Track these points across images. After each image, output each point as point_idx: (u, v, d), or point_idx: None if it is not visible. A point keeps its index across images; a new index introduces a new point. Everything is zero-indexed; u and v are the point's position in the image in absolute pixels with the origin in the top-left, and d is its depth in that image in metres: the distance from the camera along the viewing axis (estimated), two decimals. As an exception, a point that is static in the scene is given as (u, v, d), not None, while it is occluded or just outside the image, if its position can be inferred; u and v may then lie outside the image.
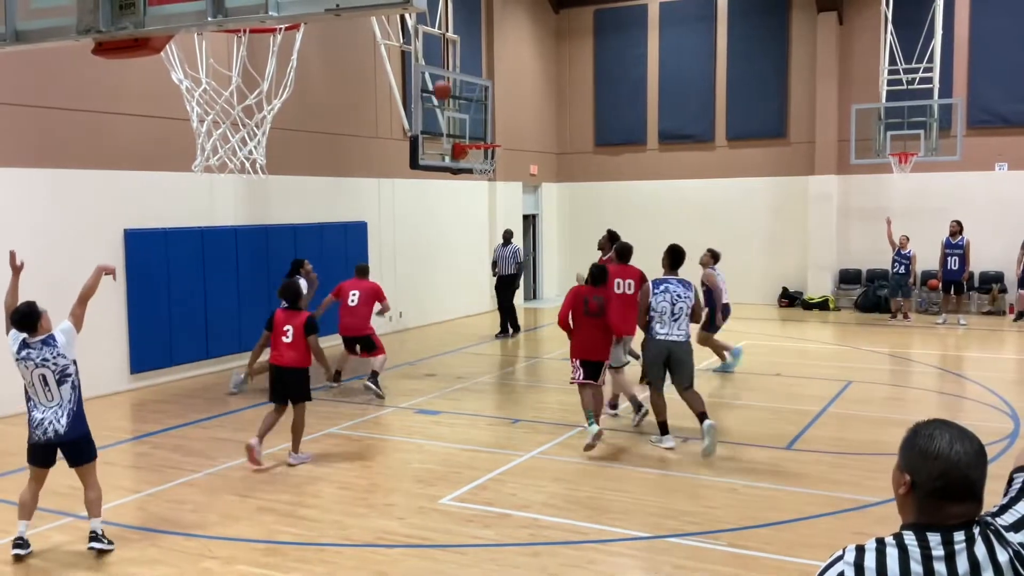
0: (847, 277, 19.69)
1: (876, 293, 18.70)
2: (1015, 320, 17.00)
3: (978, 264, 17.97)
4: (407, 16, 12.63)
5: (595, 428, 8.08)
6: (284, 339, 8.06)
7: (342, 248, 14.72)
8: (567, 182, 22.63)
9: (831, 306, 19.20)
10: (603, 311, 8.34)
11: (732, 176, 20.69)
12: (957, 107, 16.86)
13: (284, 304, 8.43)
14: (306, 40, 10.59)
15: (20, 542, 5.92)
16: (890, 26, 17.19)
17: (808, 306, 19.29)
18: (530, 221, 21.88)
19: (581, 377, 8.33)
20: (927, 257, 17.57)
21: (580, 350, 8.37)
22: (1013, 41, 18.04)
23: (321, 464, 8.10)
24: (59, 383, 5.87)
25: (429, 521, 6.60)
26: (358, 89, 15.58)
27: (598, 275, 8.48)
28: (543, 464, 8.07)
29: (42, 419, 5.87)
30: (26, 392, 5.97)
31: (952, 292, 17.02)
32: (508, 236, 16.60)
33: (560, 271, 22.62)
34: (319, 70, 14.47)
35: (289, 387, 8.08)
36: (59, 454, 6.02)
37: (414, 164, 11.92)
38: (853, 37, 19.46)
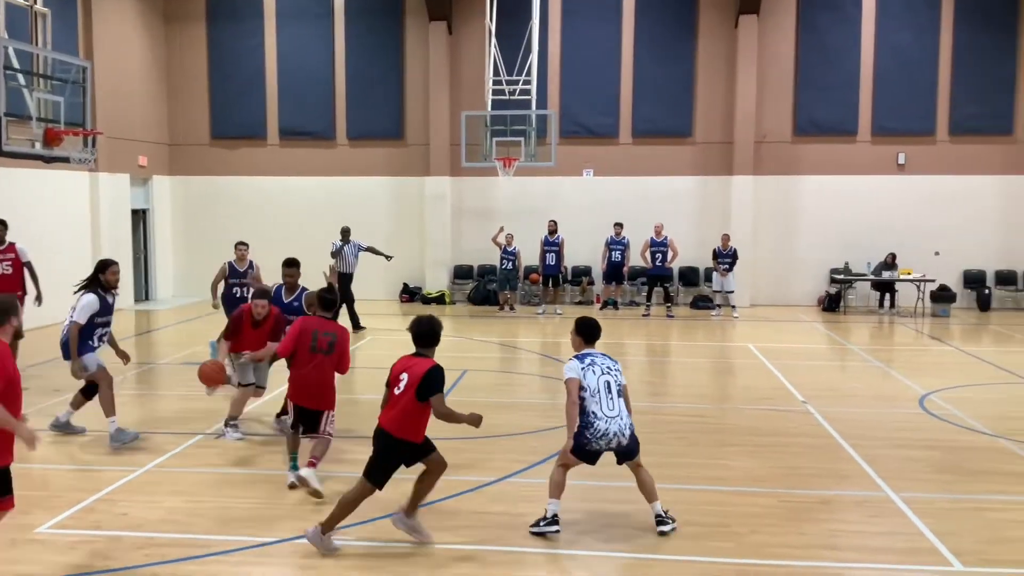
0: (461, 273, 20.97)
1: (486, 287, 20.16)
2: (600, 309, 19.32)
3: (571, 259, 20.09)
4: (-17, -18, 11.07)
5: (299, 473, 7.06)
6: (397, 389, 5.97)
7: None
8: (181, 175, 21.37)
9: (447, 300, 20.34)
10: (333, 348, 7.10)
11: (353, 175, 20.98)
12: (551, 118, 18.65)
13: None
14: None
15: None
16: (494, 39, 18.56)
17: (427, 300, 20.24)
18: (140, 216, 20.34)
19: (290, 424, 7.28)
20: (530, 253, 19.28)
21: (296, 393, 7.15)
22: (596, 61, 20.42)
23: None
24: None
25: (23, 554, 5.89)
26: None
27: (328, 302, 7.31)
28: (159, 478, 7.58)
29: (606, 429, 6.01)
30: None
31: (550, 285, 18.89)
32: (346, 233, 16.06)
33: (176, 271, 21.33)
34: None
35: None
36: None
37: (-4, 150, 10.50)
38: (462, 47, 20.69)
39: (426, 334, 6.02)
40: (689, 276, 20.46)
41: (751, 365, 13.14)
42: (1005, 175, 19.72)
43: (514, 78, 18.49)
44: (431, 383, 5.78)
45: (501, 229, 18.80)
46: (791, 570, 5.71)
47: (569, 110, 20.38)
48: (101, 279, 8.49)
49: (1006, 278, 19.93)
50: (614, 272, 19.20)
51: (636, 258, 19.21)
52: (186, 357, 13.05)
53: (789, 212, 20.29)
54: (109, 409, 8.46)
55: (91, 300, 8.39)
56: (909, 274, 19.05)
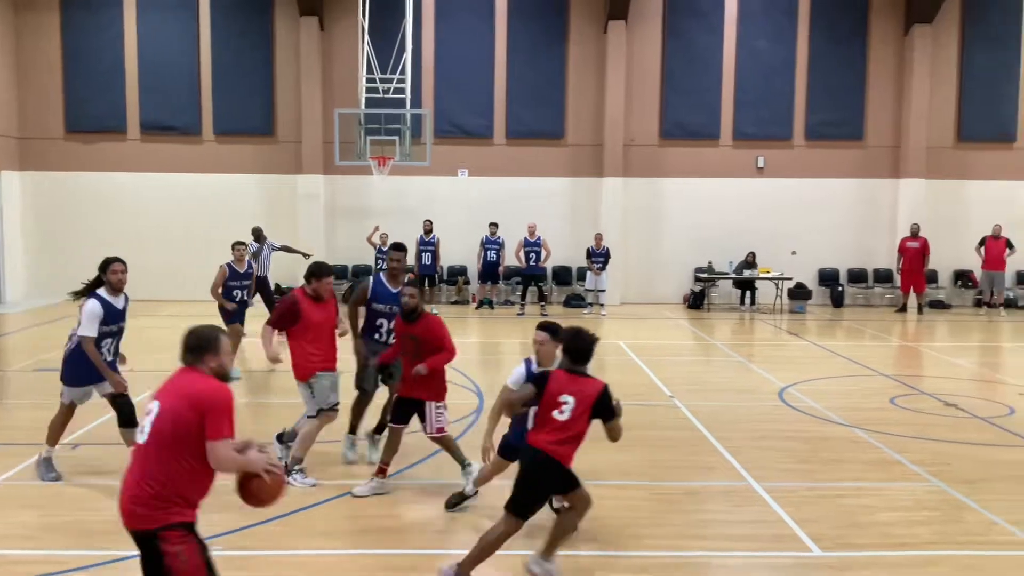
0: (335, 273, 20.61)
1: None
2: (476, 308, 19.41)
3: (447, 259, 20.10)
4: None
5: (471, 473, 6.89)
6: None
7: None
8: (32, 170, 20.16)
9: (321, 301, 19.92)
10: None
11: (221, 172, 20.33)
12: (426, 118, 18.61)
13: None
14: None
15: None
16: (366, 36, 18.35)
17: (299, 301, 19.76)
18: (-15, 214, 19.09)
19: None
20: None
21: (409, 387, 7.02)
22: (470, 62, 20.49)
23: None
24: None
25: None
26: None
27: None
28: (10, 492, 7.13)
29: None
30: None
31: (426, 284, 18.83)
32: (259, 233, 15.26)
33: (28, 271, 20.11)
34: None
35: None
36: None
37: None
38: (334, 43, 20.36)
39: (587, 350, 5.45)
40: (562, 275, 20.82)
41: (621, 362, 13.48)
42: (856, 178, 20.94)
43: (388, 76, 18.34)
44: (610, 404, 5.39)
45: (376, 229, 18.60)
46: (660, 560, 5.90)
47: (444, 110, 20.37)
48: (104, 280, 7.20)
49: (857, 276, 21.17)
50: (489, 272, 19.32)
51: (511, 258, 19.39)
52: (37, 364, 12.32)
53: (656, 213, 20.92)
54: (50, 436, 7.39)
55: (94, 307, 7.03)
56: (768, 273, 19.98)
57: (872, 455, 8.39)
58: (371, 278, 8.21)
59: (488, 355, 15.04)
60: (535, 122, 20.71)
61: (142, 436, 4.04)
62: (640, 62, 20.65)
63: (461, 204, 20.47)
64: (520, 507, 5.30)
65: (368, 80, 18.42)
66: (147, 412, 4.06)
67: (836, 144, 20.89)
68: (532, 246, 18.87)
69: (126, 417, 7.21)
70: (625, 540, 6.18)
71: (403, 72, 18.25)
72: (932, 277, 20.46)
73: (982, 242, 19.58)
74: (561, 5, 20.58)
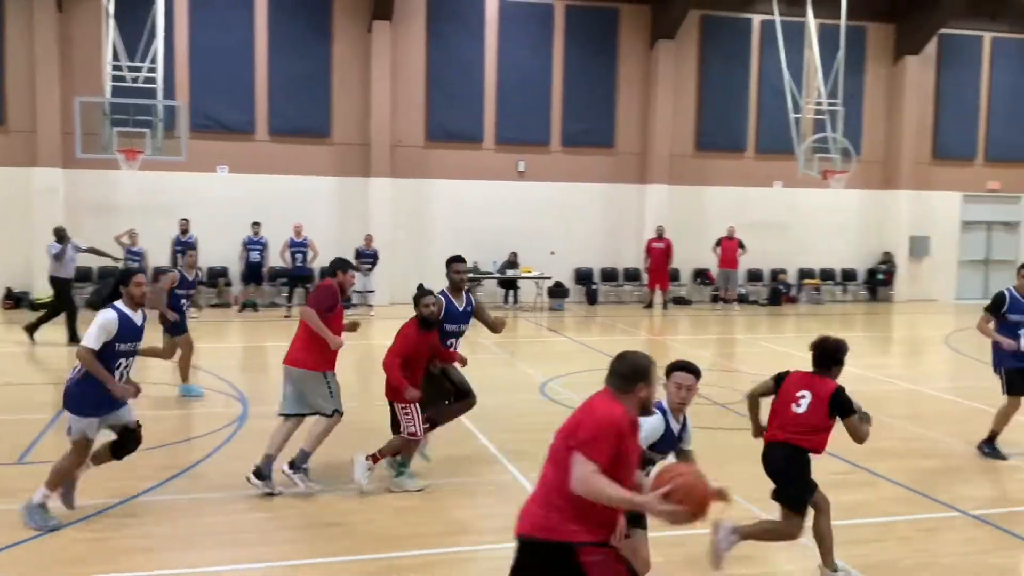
0: (78, 275, 18.89)
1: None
2: (240, 311, 18.66)
3: (206, 260, 19.14)
4: None
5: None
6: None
7: None
8: None
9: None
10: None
11: (-62, 163, 18.18)
12: (180, 110, 17.63)
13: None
14: None
15: None
16: (112, 21, 17.10)
17: (36, 307, 18.07)
18: None
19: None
20: (160, 254, 18.06)
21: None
22: (229, 55, 19.65)
23: None
24: None
25: None
26: None
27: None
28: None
29: None
30: None
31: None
32: (62, 233, 13.90)
33: None
34: None
35: None
36: None
37: None
38: (74, 26, 18.82)
39: (828, 354, 5.65)
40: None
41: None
42: (607, 183, 22.24)
43: (137, 64, 17.21)
44: (844, 400, 5.50)
45: (130, 230, 17.38)
46: (428, 558, 5.98)
47: (200, 103, 19.39)
48: (123, 293, 6.33)
49: (609, 275, 22.49)
50: (252, 273, 18.64)
51: (276, 258, 18.82)
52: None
53: (424, 214, 21.12)
54: (54, 480, 6.30)
55: (110, 318, 6.17)
56: (529, 272, 20.76)
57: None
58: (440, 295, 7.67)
59: (253, 359, 14.53)
60: (300, 119, 20.23)
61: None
62: (405, 63, 20.75)
63: (221, 202, 19.59)
64: (793, 502, 5.55)
65: (115, 68, 17.17)
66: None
67: (589, 151, 22.08)
68: (299, 246, 18.42)
69: (129, 447, 6.48)
70: (394, 541, 6.20)
71: (154, 61, 17.18)
72: (675, 275, 22.15)
73: (718, 243, 21.45)
74: (325, 2, 20.23)
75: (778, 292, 22.73)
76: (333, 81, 20.44)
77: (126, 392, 6.26)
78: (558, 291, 21.19)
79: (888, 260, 23.83)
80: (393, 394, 7.16)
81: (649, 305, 21.33)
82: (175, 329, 10.36)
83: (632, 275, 22.47)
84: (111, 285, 6.46)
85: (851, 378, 12.20)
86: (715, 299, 22.38)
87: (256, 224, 18.74)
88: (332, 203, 20.55)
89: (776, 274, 23.21)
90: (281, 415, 7.26)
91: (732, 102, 22.82)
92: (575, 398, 10.84)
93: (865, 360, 14.61)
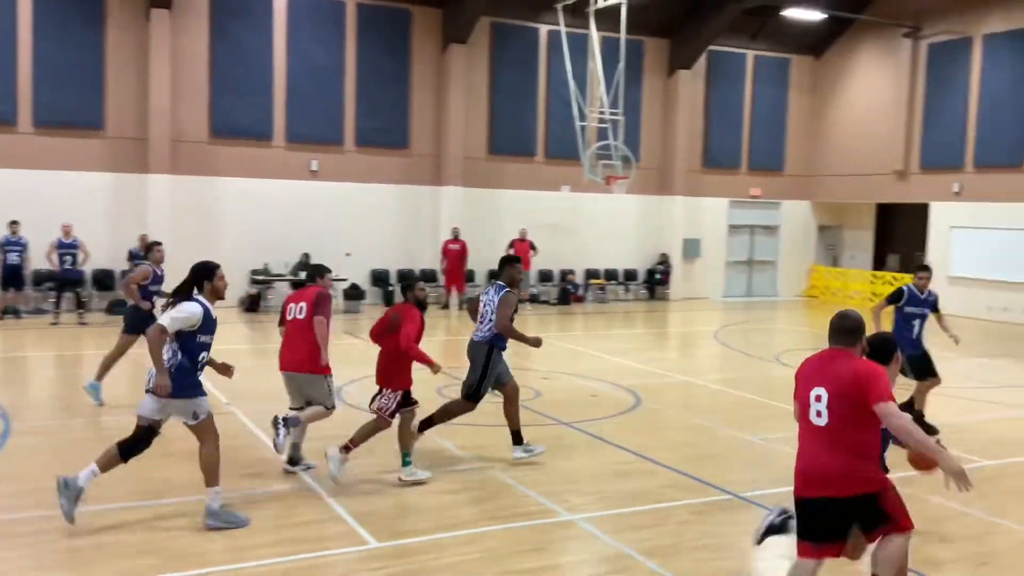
0: None
1: None
2: (0, 317, 17.09)
3: (-43, 262, 17.37)
4: None
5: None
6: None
7: None
8: None
9: None
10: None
11: None
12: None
13: None
14: None
15: None
16: None
17: None
18: None
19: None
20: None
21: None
22: (-17, 36, 17.91)
23: None
24: None
25: None
26: None
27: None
28: None
29: None
30: None
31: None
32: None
33: None
34: None
35: None
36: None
37: None
38: None
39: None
40: (104, 279, 19.11)
41: (174, 370, 12.79)
42: (402, 184, 22.22)
43: None
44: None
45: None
46: (223, 573, 5.74)
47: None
48: (207, 287, 6.41)
49: (405, 277, 22.45)
50: (11, 276, 17.10)
51: (40, 260, 17.34)
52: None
53: (209, 213, 20.17)
54: (214, 476, 6.37)
55: (196, 311, 6.25)
56: (324, 274, 20.32)
57: (424, 445, 8.97)
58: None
59: (15, 372, 13.33)
60: (68, 110, 18.74)
61: (821, 420, 4.65)
62: (187, 55, 19.73)
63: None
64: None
65: None
66: (816, 399, 4.67)
67: (384, 151, 21.97)
68: (67, 248, 17.09)
69: (141, 448, 6.44)
70: (178, 559, 5.90)
71: None
72: (470, 276, 22.48)
73: (511, 244, 21.99)
74: (96, -15, 18.88)
75: (567, 292, 23.64)
76: (107, 69, 19.09)
77: (165, 387, 6.18)
78: (354, 293, 20.92)
79: (664, 261, 25.39)
80: (386, 380, 7.66)
81: (445, 306, 21.52)
82: (137, 325, 10.28)
83: (428, 276, 22.57)
84: (190, 278, 6.48)
85: (631, 372, 12.91)
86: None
87: (14, 223, 17.20)
88: (105, 201, 19.18)
89: (565, 275, 24.11)
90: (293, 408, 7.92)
91: (523, 108, 23.47)
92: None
93: (645, 355, 15.51)
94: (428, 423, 8.29)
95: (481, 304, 8.32)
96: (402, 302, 7.93)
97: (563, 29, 21.27)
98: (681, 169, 25.29)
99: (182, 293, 6.38)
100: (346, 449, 7.48)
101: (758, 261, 27.28)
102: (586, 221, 24.33)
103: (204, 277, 6.50)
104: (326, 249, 20.93)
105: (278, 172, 20.77)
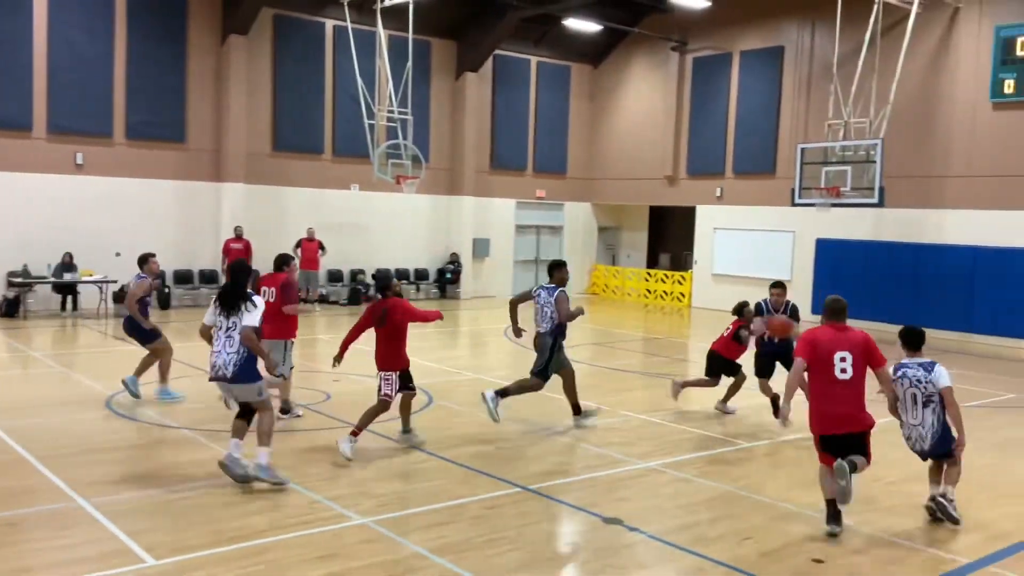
0: None
1: None
2: None
3: None
4: None
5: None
6: None
7: None
8: None
9: None
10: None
11: None
12: None
13: None
14: None
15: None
16: None
17: None
18: None
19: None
20: None
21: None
22: None
23: None
24: None
25: None
26: None
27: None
28: None
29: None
30: None
31: None
32: None
33: None
34: None
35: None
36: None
37: None
38: None
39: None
40: None
41: (-86, 385, 11.49)
42: (179, 180, 21.08)
43: None
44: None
45: None
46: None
47: None
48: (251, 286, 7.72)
49: (184, 277, 21.35)
50: None
51: None
52: None
53: (-45, 209, 18.24)
54: (269, 438, 7.64)
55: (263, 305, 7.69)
56: (91, 275, 18.94)
57: (206, 454, 8.57)
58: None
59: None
60: None
61: (846, 375, 6.65)
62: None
63: None
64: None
65: None
66: (842, 359, 6.65)
67: (158, 145, 20.76)
68: None
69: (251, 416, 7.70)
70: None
71: None
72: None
73: (298, 244, 21.45)
74: None
75: (358, 292, 23.37)
76: None
77: (272, 364, 7.94)
78: (123, 296, 19.58)
79: (455, 260, 25.70)
80: (386, 364, 8.71)
81: (226, 308, 20.62)
82: (149, 336, 10.89)
83: (209, 277, 21.55)
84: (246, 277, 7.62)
85: (423, 371, 12.98)
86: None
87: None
88: None
89: (355, 274, 23.83)
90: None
91: (308, 104, 22.94)
92: (149, 412, 10.19)
93: (436, 353, 15.65)
94: (504, 392, 9.71)
95: (537, 305, 10.02)
96: (379, 300, 8.90)
97: (349, 25, 21.02)
98: (470, 170, 25.70)
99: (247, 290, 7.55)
100: (353, 434, 8.41)
101: (544, 260, 28.25)
102: (376, 220, 24.17)
103: (285, 263, 10.16)
104: (93, 248, 19.50)
105: (38, 165, 19.11)
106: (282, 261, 10.16)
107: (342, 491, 7.59)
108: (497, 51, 25.73)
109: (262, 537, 6.48)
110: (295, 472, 7.97)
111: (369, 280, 24.11)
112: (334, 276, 23.59)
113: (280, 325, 9.56)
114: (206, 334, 7.58)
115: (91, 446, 8.79)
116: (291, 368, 9.98)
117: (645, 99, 27.15)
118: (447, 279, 25.48)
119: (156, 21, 20.51)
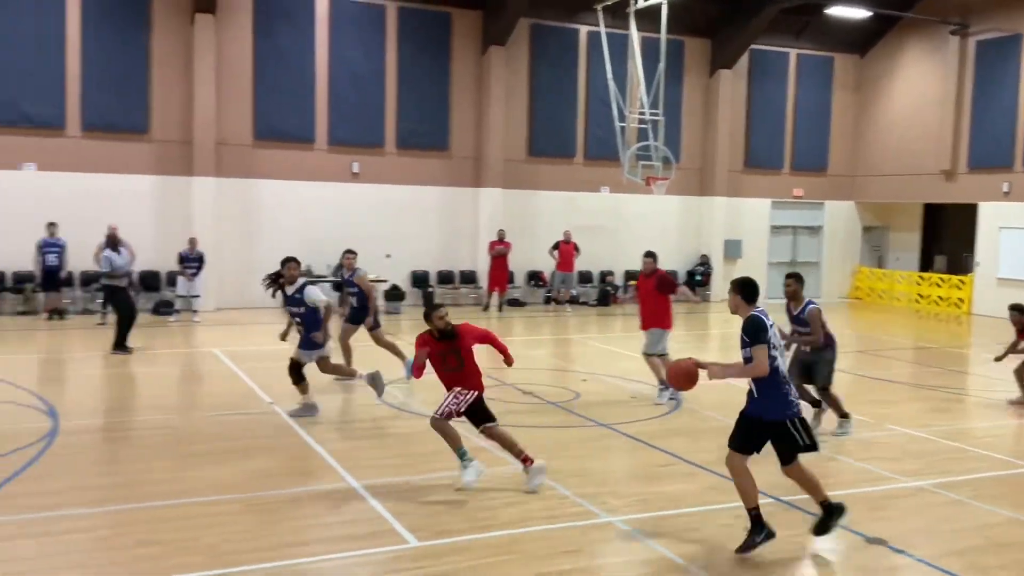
0: None
1: None
2: (48, 319, 17.45)
3: (9, 263, 17.77)
4: None
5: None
6: None
7: None
8: None
9: None
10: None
11: None
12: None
13: None
14: None
15: None
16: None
17: None
18: None
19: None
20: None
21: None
22: (33, 42, 18.32)
23: None
24: None
25: None
26: None
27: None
28: None
29: None
30: None
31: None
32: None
33: None
34: None
35: None
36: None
37: None
38: None
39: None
40: (149, 280, 19.44)
41: (217, 370, 12.99)
42: (443, 186, 22.31)
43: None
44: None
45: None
46: (262, 572, 5.80)
47: (1, 95, 17.99)
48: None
49: (446, 278, 22.56)
50: (50, 278, 17.55)
51: (79, 262, 17.71)
52: None
53: (251, 215, 20.44)
54: (348, 369, 11.01)
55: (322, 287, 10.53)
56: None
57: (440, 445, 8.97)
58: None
59: (61, 371, 13.61)
60: (115, 114, 19.10)
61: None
62: (231, 59, 20.01)
63: (26, 201, 18.21)
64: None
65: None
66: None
67: (424, 153, 22.07)
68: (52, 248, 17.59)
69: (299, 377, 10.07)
70: (224, 557, 5.98)
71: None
72: (510, 278, 22.49)
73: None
74: (143, -8, 19.24)
75: (607, 293, 23.54)
76: (153, 74, 19.43)
77: (327, 336, 10.09)
78: (395, 294, 21.04)
79: (705, 262, 25.16)
80: (462, 382, 7.93)
81: (486, 308, 21.55)
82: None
83: (468, 278, 22.63)
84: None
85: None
86: (548, 300, 22.88)
87: (52, 224, 17.58)
88: (151, 204, 19.53)
89: (604, 276, 24.02)
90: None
91: (562, 109, 23.42)
92: (410, 400, 10.82)
93: (684, 356, 15.34)
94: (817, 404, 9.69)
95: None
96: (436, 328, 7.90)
97: (603, 30, 21.19)
98: (722, 169, 25.06)
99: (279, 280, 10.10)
100: (525, 461, 7.61)
101: (801, 262, 26.92)
102: (625, 222, 24.21)
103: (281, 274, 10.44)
104: (367, 250, 21.07)
105: (320, 175, 20.98)
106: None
107: (590, 489, 7.66)
108: (753, 46, 24.89)
109: (512, 528, 6.69)
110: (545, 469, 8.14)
111: (617, 282, 24.20)
112: (584, 277, 23.91)
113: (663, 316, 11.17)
114: None
115: (358, 431, 9.49)
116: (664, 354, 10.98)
117: (918, 88, 25.12)
118: (697, 281, 24.99)
119: (423, 37, 21.83)
